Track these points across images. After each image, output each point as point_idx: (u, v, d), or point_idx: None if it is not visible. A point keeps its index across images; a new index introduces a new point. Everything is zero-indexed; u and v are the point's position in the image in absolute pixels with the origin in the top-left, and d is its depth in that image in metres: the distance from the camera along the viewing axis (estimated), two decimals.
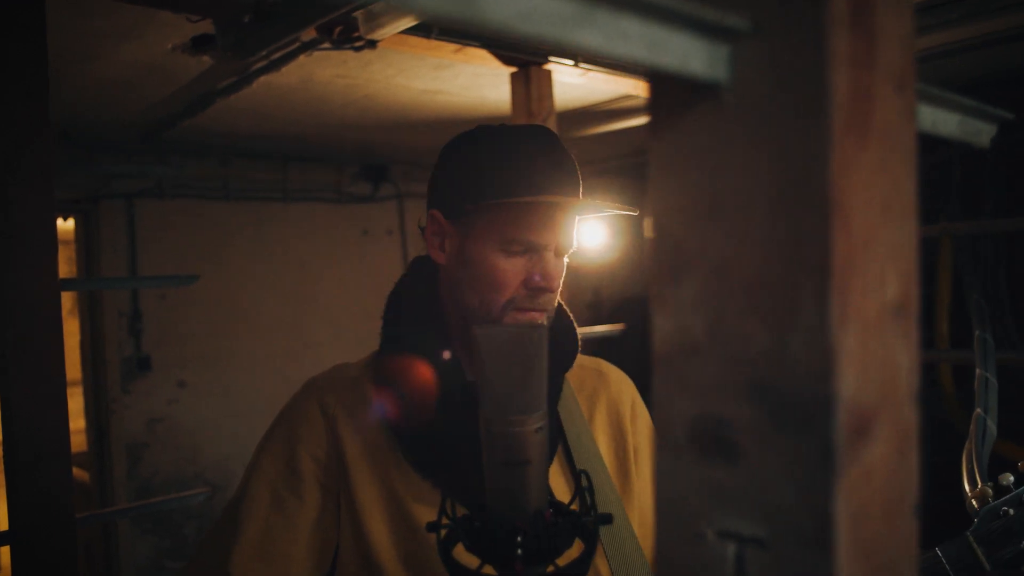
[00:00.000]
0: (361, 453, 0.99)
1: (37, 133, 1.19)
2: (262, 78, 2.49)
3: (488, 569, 0.67)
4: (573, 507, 0.71)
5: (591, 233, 3.24)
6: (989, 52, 2.54)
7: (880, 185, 0.35)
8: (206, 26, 2.08)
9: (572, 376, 1.12)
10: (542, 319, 1.00)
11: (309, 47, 2.14)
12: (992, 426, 1.06)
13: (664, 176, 0.38)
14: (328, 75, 2.73)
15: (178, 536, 3.95)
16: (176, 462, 3.96)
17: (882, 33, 0.35)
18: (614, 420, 1.11)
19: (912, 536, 0.37)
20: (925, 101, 0.43)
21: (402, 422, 0.98)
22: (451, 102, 3.20)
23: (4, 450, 1.19)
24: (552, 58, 2.44)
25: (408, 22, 1.97)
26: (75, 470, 3.05)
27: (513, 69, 2.49)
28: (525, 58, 2.41)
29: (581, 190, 1.02)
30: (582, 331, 1.12)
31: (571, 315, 1.11)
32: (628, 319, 3.50)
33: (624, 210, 0.98)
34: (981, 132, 0.47)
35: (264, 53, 2.05)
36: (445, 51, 2.26)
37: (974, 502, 0.96)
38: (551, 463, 1.03)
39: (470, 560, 0.68)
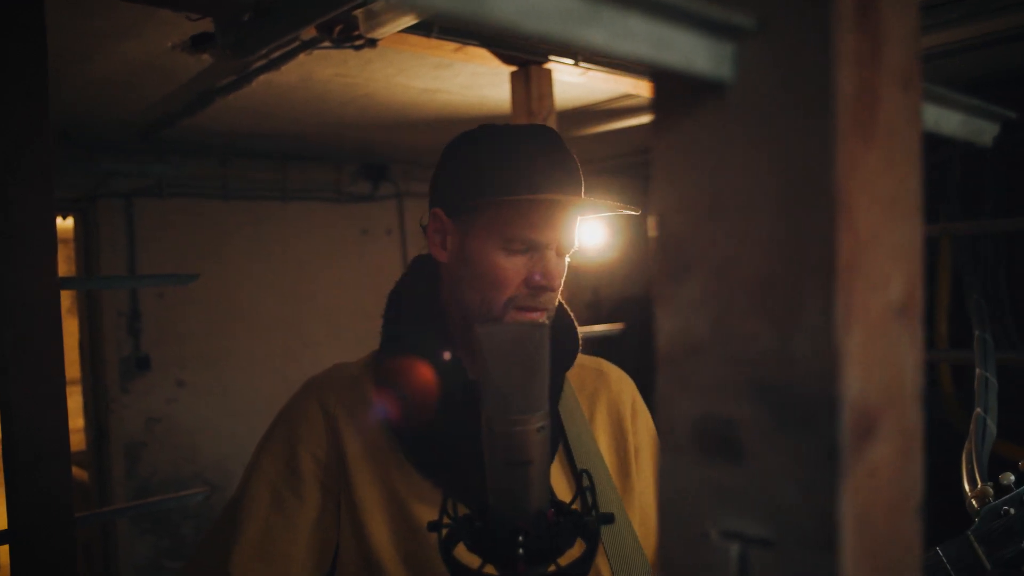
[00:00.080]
0: (362, 453, 0.99)
1: (37, 133, 1.19)
2: (262, 77, 2.49)
3: (489, 569, 0.66)
4: (574, 507, 0.71)
5: (590, 233, 3.25)
6: (989, 52, 2.54)
7: (885, 184, 0.35)
8: (206, 24, 2.08)
9: (573, 375, 1.12)
10: (543, 318, 1.00)
11: (309, 46, 2.14)
12: (992, 426, 1.06)
13: (667, 175, 0.38)
14: (328, 74, 2.73)
15: (176, 536, 3.95)
16: (175, 461, 3.95)
17: (887, 32, 0.35)
18: (615, 420, 1.11)
19: (916, 536, 0.37)
20: (928, 100, 0.42)
21: (403, 422, 0.98)
22: (451, 101, 3.20)
23: (4, 450, 1.19)
24: (552, 57, 2.43)
25: (408, 21, 1.96)
26: (74, 469, 3.05)
27: (513, 68, 2.48)
28: (525, 57, 2.41)
29: (583, 190, 1.02)
30: (582, 330, 1.12)
31: (572, 314, 1.11)
32: (627, 319, 3.50)
33: (626, 210, 0.98)
34: (984, 131, 0.47)
35: (264, 52, 2.04)
36: (445, 50, 2.26)
37: (974, 502, 0.96)
38: (552, 462, 1.02)
39: (471, 560, 0.68)
